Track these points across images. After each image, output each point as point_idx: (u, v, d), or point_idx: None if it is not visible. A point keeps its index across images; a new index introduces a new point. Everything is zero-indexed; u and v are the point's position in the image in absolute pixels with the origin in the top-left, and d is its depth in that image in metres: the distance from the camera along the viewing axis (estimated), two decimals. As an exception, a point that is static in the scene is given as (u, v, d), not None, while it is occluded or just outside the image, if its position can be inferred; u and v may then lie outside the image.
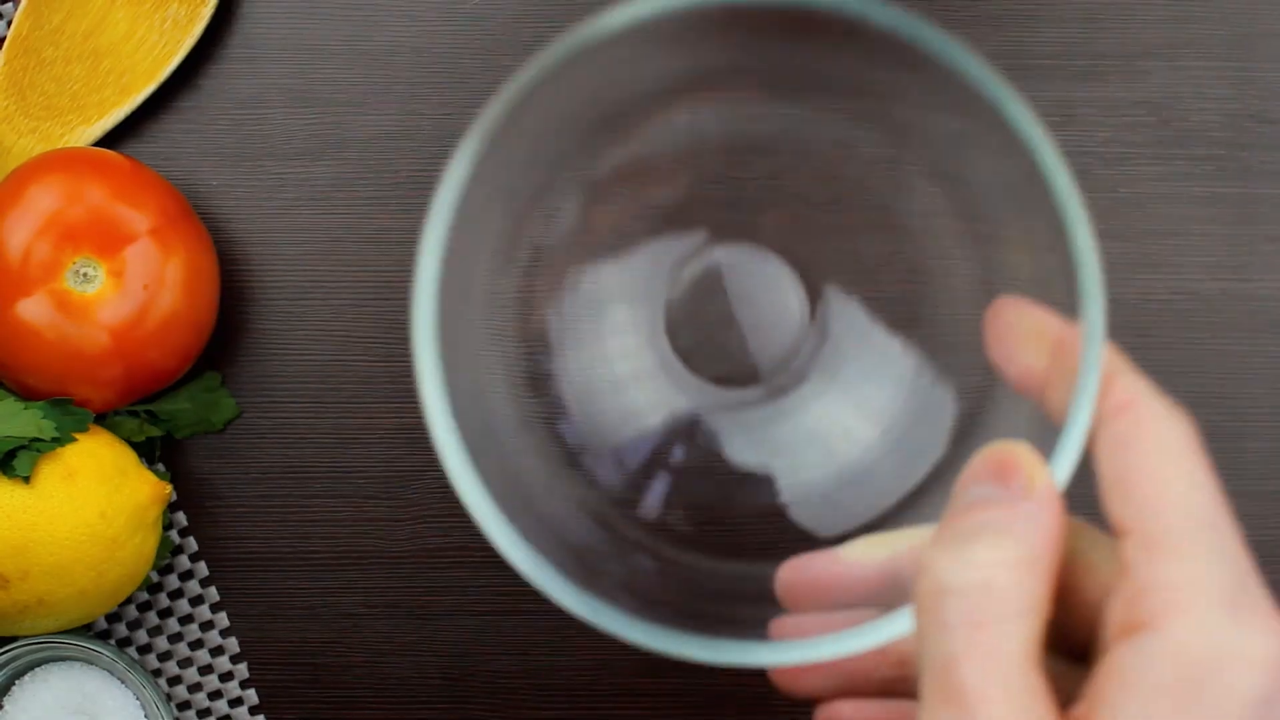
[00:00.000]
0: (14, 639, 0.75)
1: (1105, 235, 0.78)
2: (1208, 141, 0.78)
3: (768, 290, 0.61)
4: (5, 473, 0.70)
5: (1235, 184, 0.78)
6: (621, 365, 0.60)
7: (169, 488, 0.72)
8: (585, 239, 0.59)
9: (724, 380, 0.62)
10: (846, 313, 0.60)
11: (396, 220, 0.77)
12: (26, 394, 0.73)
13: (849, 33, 0.51)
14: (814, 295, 0.61)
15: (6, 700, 0.75)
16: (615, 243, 0.60)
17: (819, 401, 0.59)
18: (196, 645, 0.78)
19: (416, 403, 0.78)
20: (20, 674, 0.75)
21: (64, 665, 0.75)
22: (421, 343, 0.51)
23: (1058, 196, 0.50)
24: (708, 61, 0.54)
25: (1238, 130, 0.78)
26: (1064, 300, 0.49)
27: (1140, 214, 0.78)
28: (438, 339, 0.51)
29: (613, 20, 0.48)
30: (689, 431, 0.60)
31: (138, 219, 0.72)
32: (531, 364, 0.59)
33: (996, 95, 0.50)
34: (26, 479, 0.70)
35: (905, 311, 0.59)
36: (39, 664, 0.75)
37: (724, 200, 0.62)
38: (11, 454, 0.70)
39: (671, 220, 0.61)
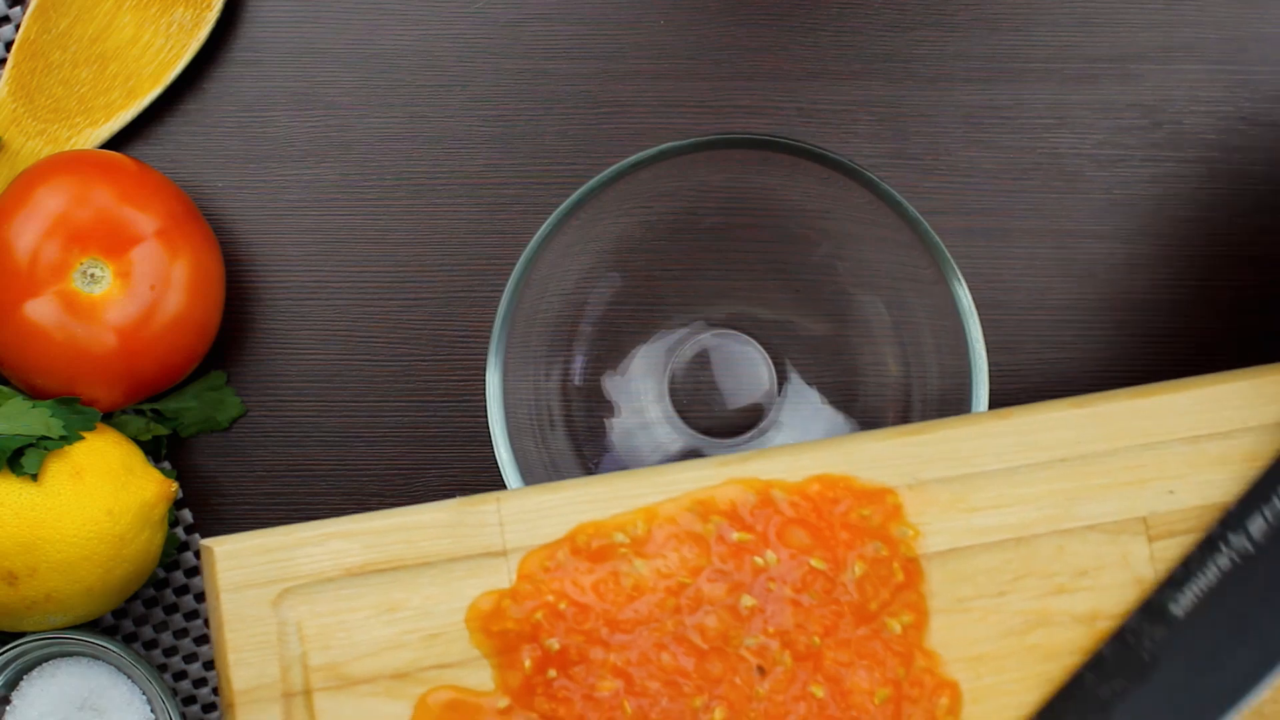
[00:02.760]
0: (22, 635, 0.75)
1: (1098, 236, 0.78)
2: (1200, 144, 0.78)
3: (745, 368, 0.79)
4: (14, 471, 0.71)
5: (1227, 186, 0.78)
6: (649, 413, 0.79)
7: (175, 485, 0.73)
8: (619, 328, 0.78)
9: (709, 432, 0.78)
10: (802, 391, 0.78)
11: (399, 221, 0.78)
12: (34, 393, 0.73)
13: (823, 179, 0.71)
14: (781, 374, 0.78)
15: (15, 695, 0.75)
16: (640, 330, 0.78)
17: (777, 442, 0.78)
18: (202, 641, 0.78)
19: (419, 401, 0.78)
20: (28, 669, 0.75)
21: (71, 660, 0.75)
22: (492, 411, 0.72)
23: (967, 335, 0.70)
24: (704, 202, 0.75)
25: (1229, 133, 0.78)
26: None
27: (1132, 215, 0.78)
28: (503, 407, 0.72)
29: (629, 160, 0.70)
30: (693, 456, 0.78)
31: (144, 221, 0.72)
32: (591, 419, 0.77)
33: (940, 256, 0.70)
34: (35, 477, 0.71)
35: (843, 395, 0.77)
36: (46, 659, 0.75)
37: (716, 298, 0.78)
38: (20, 452, 0.71)
39: (679, 312, 0.78)
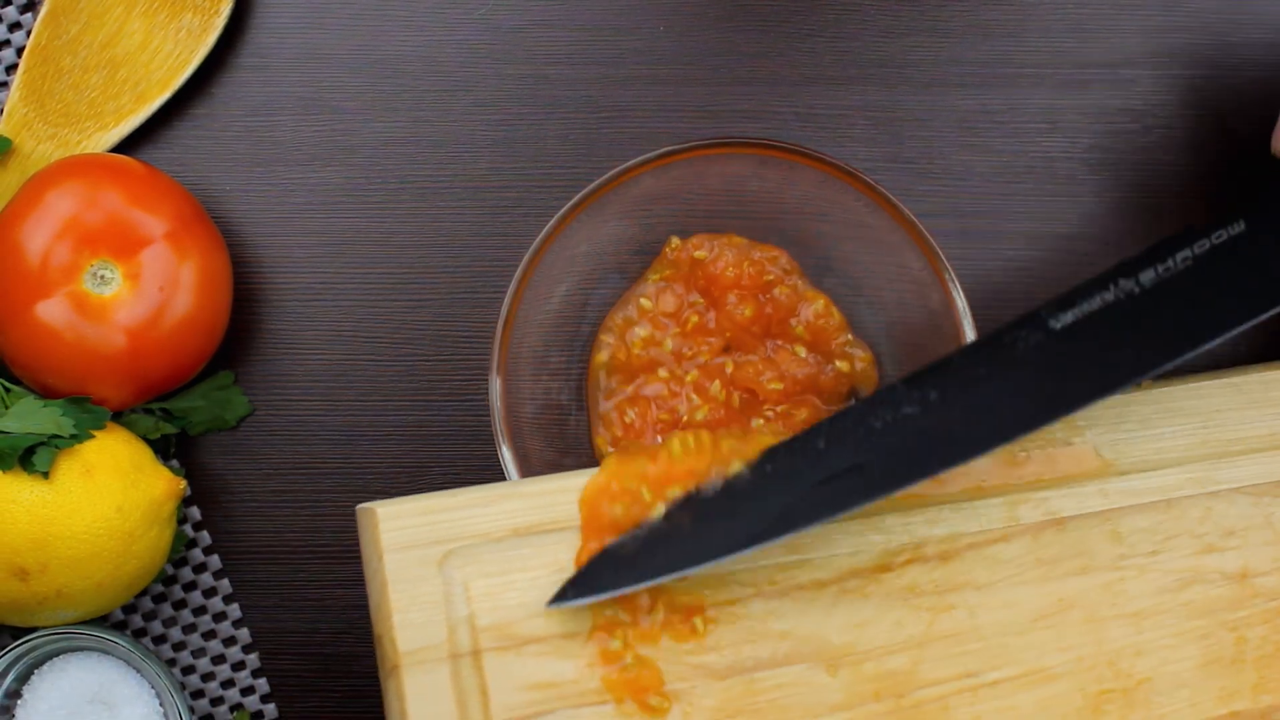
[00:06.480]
0: (33, 630, 0.75)
1: (1090, 239, 0.79)
2: (1190, 148, 0.79)
3: None
4: (25, 468, 0.71)
5: (1218, 189, 0.79)
6: None
7: (183, 483, 0.73)
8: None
9: None
10: None
11: (404, 224, 0.78)
12: (46, 392, 0.73)
13: (819, 182, 0.73)
14: None
15: (26, 689, 0.75)
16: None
17: None
18: (209, 636, 0.78)
19: (423, 400, 0.78)
20: (39, 664, 0.75)
21: (81, 655, 0.75)
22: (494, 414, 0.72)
23: (963, 336, 0.72)
24: (703, 204, 0.75)
25: (1220, 137, 0.79)
26: None
27: (1124, 218, 0.79)
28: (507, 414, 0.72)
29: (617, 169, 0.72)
30: None
31: (153, 223, 0.73)
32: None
33: (936, 258, 0.72)
34: (46, 475, 0.71)
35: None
36: (57, 654, 0.75)
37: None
38: (31, 450, 0.71)
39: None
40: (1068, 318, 0.67)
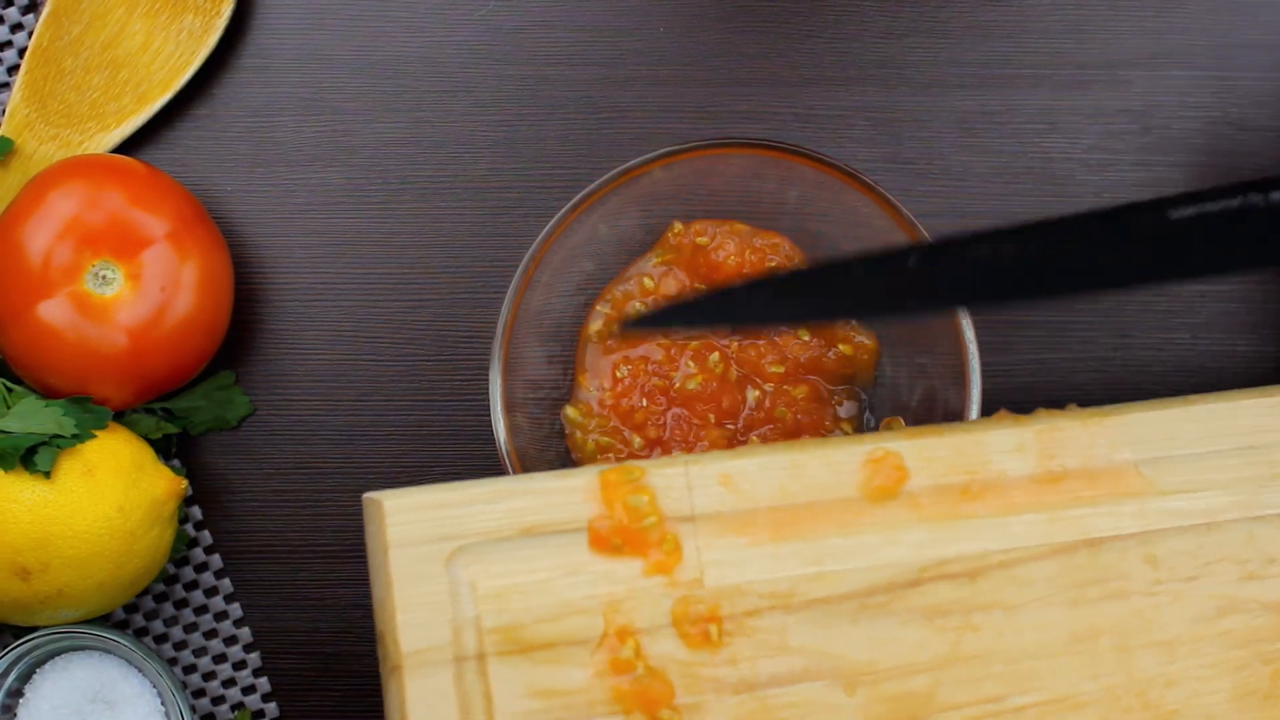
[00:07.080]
0: (35, 629, 0.76)
1: (1089, 239, 0.79)
2: (1188, 149, 0.79)
3: None
4: (27, 468, 0.71)
5: (1215, 189, 0.79)
6: None
7: (184, 483, 0.73)
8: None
9: None
10: None
11: (404, 224, 0.79)
12: (47, 392, 0.74)
13: (818, 183, 0.73)
14: None
15: (28, 688, 0.75)
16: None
17: None
18: (211, 635, 0.79)
19: (423, 400, 0.79)
20: (41, 663, 0.75)
21: (83, 654, 0.75)
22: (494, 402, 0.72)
23: (961, 336, 0.72)
24: (703, 205, 0.75)
25: (1217, 137, 0.79)
26: None
27: (1122, 218, 0.79)
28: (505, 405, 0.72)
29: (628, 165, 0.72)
30: None
31: (154, 224, 0.73)
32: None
33: None
34: (47, 474, 0.71)
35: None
36: (59, 653, 0.75)
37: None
38: (33, 450, 0.71)
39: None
40: (1188, 211, 0.65)
